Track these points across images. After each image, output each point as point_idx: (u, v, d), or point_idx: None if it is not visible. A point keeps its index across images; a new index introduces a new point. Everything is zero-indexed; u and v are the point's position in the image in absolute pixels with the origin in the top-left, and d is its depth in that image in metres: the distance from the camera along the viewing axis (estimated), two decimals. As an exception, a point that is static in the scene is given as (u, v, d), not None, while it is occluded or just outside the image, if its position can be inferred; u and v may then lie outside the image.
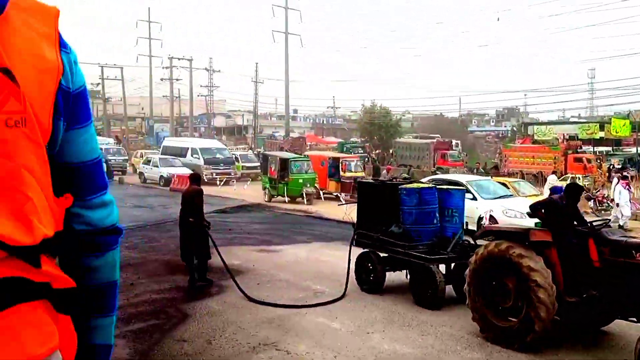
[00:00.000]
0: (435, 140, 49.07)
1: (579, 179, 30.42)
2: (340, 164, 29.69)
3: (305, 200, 26.81)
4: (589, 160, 37.80)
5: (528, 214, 9.34)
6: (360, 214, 11.76)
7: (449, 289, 10.32)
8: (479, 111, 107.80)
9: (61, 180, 1.48)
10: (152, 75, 72.77)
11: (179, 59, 64.78)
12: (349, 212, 14.67)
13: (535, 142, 48.14)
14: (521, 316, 7.83)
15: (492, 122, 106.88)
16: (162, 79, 68.27)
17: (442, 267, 10.44)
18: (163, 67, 67.28)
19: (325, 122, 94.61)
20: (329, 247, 15.76)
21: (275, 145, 54.91)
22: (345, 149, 49.85)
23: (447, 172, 37.08)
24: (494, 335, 8.20)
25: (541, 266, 7.65)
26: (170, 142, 46.68)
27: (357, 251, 11.50)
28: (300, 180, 27.16)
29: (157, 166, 36.29)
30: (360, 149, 51.67)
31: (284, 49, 59.87)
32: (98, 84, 72.98)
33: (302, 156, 29.77)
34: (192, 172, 13.83)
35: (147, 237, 17.30)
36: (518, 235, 8.13)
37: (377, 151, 52.92)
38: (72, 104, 1.49)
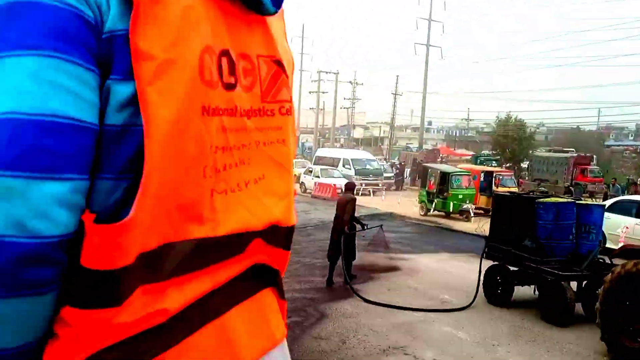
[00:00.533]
0: (575, 155, 45.92)
1: None
2: (493, 179, 28.15)
3: (463, 216, 25.40)
4: None
5: None
6: (493, 226, 11.48)
7: (578, 307, 9.86)
8: (618, 124, 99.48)
9: None
10: (302, 88, 74.73)
11: (326, 72, 66.14)
12: (482, 224, 14.38)
13: None
14: (657, 340, 7.34)
15: (632, 136, 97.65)
16: (310, 92, 69.90)
17: (574, 284, 9.99)
18: (312, 81, 68.88)
19: (457, 134, 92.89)
20: (457, 259, 15.49)
21: (409, 156, 54.38)
22: (479, 161, 48.16)
23: (585, 188, 35.22)
24: (623, 356, 7.77)
25: (684, 289, 7.14)
26: (323, 152, 47.28)
27: (486, 263, 11.23)
28: (460, 196, 25.44)
29: (319, 176, 35.89)
30: (494, 162, 50.02)
31: (424, 61, 59.39)
32: None
33: (464, 171, 27.85)
34: (350, 182, 14.19)
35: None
36: (661, 255, 7.63)
37: (508, 164, 50.83)
38: None
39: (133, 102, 0.95)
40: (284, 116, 1.32)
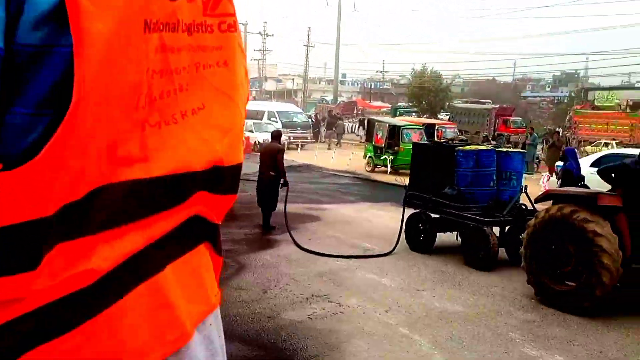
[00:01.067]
0: (497, 106, 46.08)
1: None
2: (435, 131, 26.81)
3: None
4: None
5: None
6: (414, 175, 11.29)
7: (502, 252, 9.85)
8: (534, 75, 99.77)
9: None
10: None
11: (234, 24, 64.29)
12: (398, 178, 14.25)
13: (595, 108, 44.21)
14: (581, 281, 7.32)
15: (548, 87, 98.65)
16: (217, 44, 68.07)
17: (496, 230, 9.93)
18: (219, 32, 66.93)
19: (372, 86, 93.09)
20: (378, 208, 15.35)
21: (325, 109, 54.14)
22: (398, 113, 47.73)
23: (508, 138, 35.17)
24: (550, 298, 7.74)
25: (608, 231, 7.10)
26: (248, 105, 45.66)
27: (408, 212, 11.06)
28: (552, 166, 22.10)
29: (252, 131, 32.83)
30: (413, 113, 50.09)
31: (337, 12, 58.51)
32: None
33: (415, 124, 25.90)
34: (277, 130, 13.93)
35: None
36: (584, 200, 7.55)
37: (426, 116, 51.15)
38: None
39: (56, 16, 0.77)
40: (225, 33, 1.10)
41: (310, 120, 40.79)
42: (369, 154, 25.21)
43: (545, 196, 8.33)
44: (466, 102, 54.32)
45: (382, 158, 24.07)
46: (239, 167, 1.18)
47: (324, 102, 64.93)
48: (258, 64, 73.74)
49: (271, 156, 12.04)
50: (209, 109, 1.07)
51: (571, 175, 12.84)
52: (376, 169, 24.44)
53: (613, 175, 7.84)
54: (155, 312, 0.97)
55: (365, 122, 31.95)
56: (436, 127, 27.64)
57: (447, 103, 55.17)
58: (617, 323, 7.20)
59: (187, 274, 1.06)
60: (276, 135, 12.86)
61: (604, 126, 35.63)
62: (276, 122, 34.84)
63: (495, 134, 37.68)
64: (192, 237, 1.09)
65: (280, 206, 12.17)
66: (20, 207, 0.75)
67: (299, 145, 34.00)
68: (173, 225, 1.01)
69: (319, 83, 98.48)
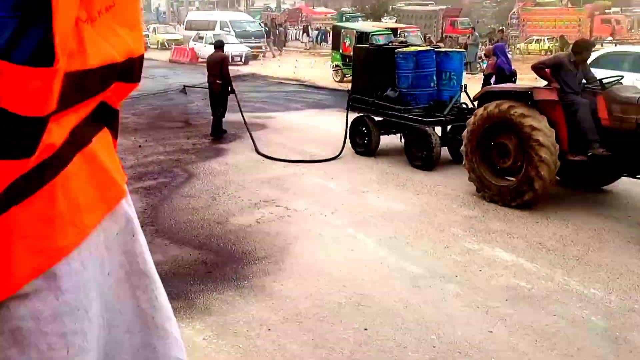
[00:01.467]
0: (444, 7, 44.99)
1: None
2: (398, 36, 23.89)
3: None
4: (617, 22, 34.23)
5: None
6: (355, 79, 11.09)
7: (445, 152, 9.91)
8: None
9: None
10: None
11: None
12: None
13: (537, 4, 44.03)
14: (520, 175, 7.43)
15: None
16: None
17: (438, 130, 9.96)
18: None
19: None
20: (323, 114, 15.22)
21: (269, 17, 52.48)
22: (344, 19, 46.52)
23: (456, 40, 34.27)
24: (491, 194, 7.84)
25: (544, 125, 7.15)
26: (195, 15, 42.57)
27: (352, 116, 10.98)
28: (482, 64, 20.87)
29: (212, 43, 31.36)
30: (359, 18, 48.94)
31: None
32: None
33: (384, 30, 23.21)
34: (218, 40, 13.83)
35: (151, 104, 17.14)
36: (520, 95, 7.56)
37: (370, 20, 50.10)
38: None
39: None
40: None
41: (264, 29, 39.00)
42: (335, 63, 23.56)
43: (483, 94, 8.29)
44: (409, 4, 53.36)
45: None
46: (142, 57, 1.23)
47: (268, 10, 62.69)
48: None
49: (216, 65, 12.02)
50: (118, 5, 1.11)
51: (503, 72, 12.85)
52: (345, 78, 21.85)
53: (548, 70, 7.83)
54: (95, 174, 1.09)
55: (327, 30, 31.72)
56: (398, 31, 26.07)
57: (390, 6, 54.25)
58: (557, 215, 7.36)
59: (105, 147, 1.17)
60: (219, 45, 12.66)
61: (552, 22, 35.35)
62: (229, 32, 33.31)
63: (443, 35, 37.03)
64: (102, 119, 1.18)
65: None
66: (45, 99, 0.87)
67: (255, 56, 32.36)
68: (92, 108, 1.10)
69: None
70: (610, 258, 6.03)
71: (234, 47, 29.69)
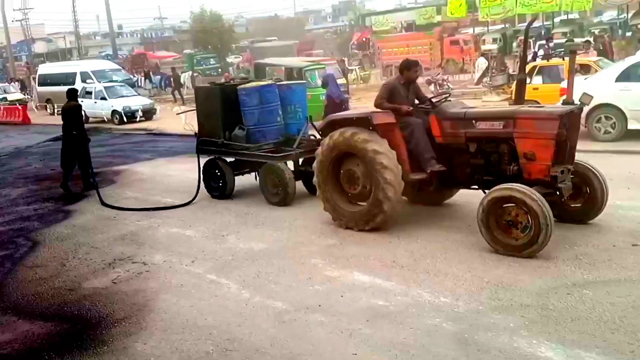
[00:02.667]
0: (297, 42, 45.69)
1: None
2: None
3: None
4: (465, 42, 36.07)
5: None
6: (201, 121, 11.07)
7: (300, 185, 10.21)
8: (314, 8, 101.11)
9: None
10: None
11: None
12: (188, 122, 14.03)
13: (375, 33, 46.51)
14: (370, 199, 7.83)
15: (329, 18, 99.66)
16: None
17: (291, 165, 10.25)
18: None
19: (153, 35, 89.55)
20: (174, 162, 15.14)
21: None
22: (195, 61, 46.49)
23: None
24: (346, 220, 8.19)
25: (386, 148, 7.59)
26: (48, 68, 36.99)
27: (204, 160, 11.01)
28: (322, 97, 17.14)
29: (106, 98, 26.51)
30: (212, 59, 48.58)
31: None
32: None
33: (318, 64, 20.89)
34: (72, 88, 13.48)
35: None
36: (361, 121, 7.97)
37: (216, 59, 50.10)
38: None
39: None
40: None
41: (133, 77, 36.73)
42: None
43: (327, 124, 8.67)
44: (253, 42, 54.33)
45: None
46: None
47: (107, 58, 60.83)
48: (21, 24, 67.42)
49: (72, 115, 12.25)
50: None
51: (333, 101, 13.33)
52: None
53: (382, 90, 8.25)
54: None
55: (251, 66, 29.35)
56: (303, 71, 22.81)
57: (233, 45, 54.93)
58: (406, 233, 7.84)
59: None
60: (72, 93, 12.77)
61: (404, 49, 36.73)
62: (93, 83, 29.71)
63: None
64: None
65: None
66: None
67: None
68: None
69: (94, 38, 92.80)
70: (455, 266, 6.56)
71: (133, 100, 26.79)
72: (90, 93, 27.26)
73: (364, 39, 48.51)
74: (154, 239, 8.79)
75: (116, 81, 30.72)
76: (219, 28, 54.75)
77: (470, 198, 8.40)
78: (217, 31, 54.12)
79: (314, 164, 8.56)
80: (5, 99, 34.62)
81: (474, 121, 7.47)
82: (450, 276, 6.31)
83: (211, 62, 47.26)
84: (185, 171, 12.87)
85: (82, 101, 27.61)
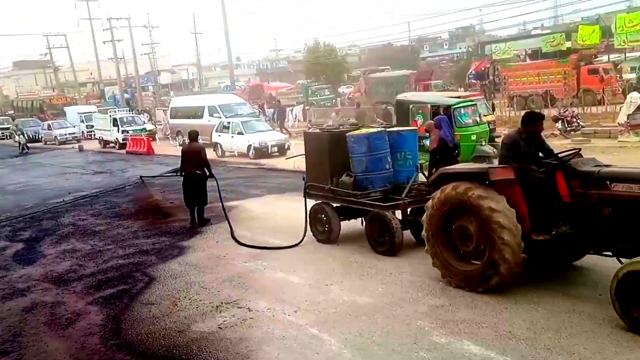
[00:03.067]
0: (414, 71, 43.11)
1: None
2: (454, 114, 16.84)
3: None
4: (606, 71, 32.27)
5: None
6: (309, 165, 11.03)
7: (408, 234, 9.81)
8: (430, 35, 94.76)
9: None
10: (95, 38, 69.03)
11: (117, 19, 61.33)
12: (297, 165, 14.08)
13: (494, 62, 44.20)
14: (485, 259, 7.30)
15: (446, 45, 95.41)
16: (104, 42, 64.84)
17: (399, 213, 9.86)
18: (104, 29, 63.83)
19: (269, 66, 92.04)
20: (283, 200, 15.13)
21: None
22: (310, 92, 46.32)
23: None
24: (457, 279, 7.70)
25: (504, 206, 7.07)
26: (180, 102, 37.52)
27: (311, 202, 10.95)
28: (473, 137, 16.58)
29: (242, 133, 26.19)
30: (326, 90, 47.99)
31: None
32: (46, 54, 71.82)
33: (467, 100, 18.26)
34: (193, 130, 13.80)
35: (110, 202, 17.07)
36: (476, 176, 7.52)
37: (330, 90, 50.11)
38: None
39: None
40: None
41: (257, 111, 36.33)
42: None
43: (438, 176, 8.26)
44: (365, 71, 53.81)
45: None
46: None
47: (226, 90, 62.40)
48: (149, 57, 71.30)
49: (195, 155, 12.74)
50: None
51: (446, 145, 12.14)
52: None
53: (504, 148, 7.83)
54: None
55: (384, 106, 28.78)
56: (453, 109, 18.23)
57: (345, 75, 55.14)
58: (526, 298, 7.19)
59: None
60: (194, 136, 13.36)
61: (534, 78, 33.95)
62: (219, 117, 29.75)
63: None
64: None
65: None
66: None
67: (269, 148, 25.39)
68: None
69: (215, 70, 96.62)
70: (582, 345, 5.88)
71: (268, 135, 26.16)
72: (227, 127, 27.40)
73: (483, 68, 46.60)
74: (260, 283, 8.77)
75: (241, 115, 30.22)
76: (331, 59, 55.45)
77: (600, 261, 7.62)
78: (329, 62, 54.78)
79: (424, 217, 8.16)
80: (145, 129, 36.02)
81: (608, 182, 6.82)
82: (576, 357, 5.65)
83: (326, 93, 47.10)
84: (293, 210, 12.78)
85: (219, 135, 28.03)
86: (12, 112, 61.72)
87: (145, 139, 32.39)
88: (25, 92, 74.16)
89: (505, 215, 7.03)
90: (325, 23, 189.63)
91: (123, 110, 43.08)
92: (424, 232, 8.14)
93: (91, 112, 45.77)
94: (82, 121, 44.12)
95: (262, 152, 24.97)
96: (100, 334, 7.34)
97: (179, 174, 13.47)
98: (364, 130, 10.46)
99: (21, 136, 39.95)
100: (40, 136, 45.67)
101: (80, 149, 36.35)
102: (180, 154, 13.26)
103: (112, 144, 36.36)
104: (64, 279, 9.85)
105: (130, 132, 34.84)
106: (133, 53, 61.15)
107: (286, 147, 25.22)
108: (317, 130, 11.37)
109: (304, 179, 11.13)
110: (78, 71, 72.73)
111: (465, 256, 7.75)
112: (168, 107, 39.08)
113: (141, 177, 17.92)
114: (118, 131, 35.45)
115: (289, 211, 13.04)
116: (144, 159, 28.76)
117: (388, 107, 29.94)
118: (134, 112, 45.56)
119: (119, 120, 36.13)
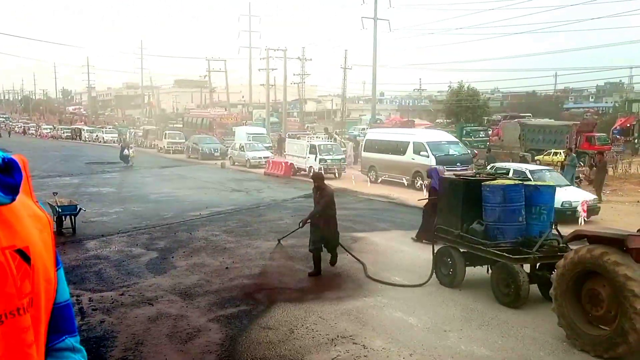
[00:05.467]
0: (578, 122, 40.46)
1: None
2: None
3: None
4: None
5: None
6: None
7: (534, 288, 9.40)
8: (576, 86, 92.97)
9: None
10: (252, 66, 72.74)
11: (274, 49, 64.51)
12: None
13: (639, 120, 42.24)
14: (614, 326, 6.89)
15: (592, 98, 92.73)
16: (259, 69, 68.34)
17: (527, 266, 9.52)
18: (261, 58, 67.27)
19: (410, 103, 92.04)
20: (409, 236, 14.89)
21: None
22: (465, 132, 44.63)
23: (593, 157, 28.45)
24: (583, 342, 7.29)
25: (639, 275, 6.65)
26: (378, 134, 31.87)
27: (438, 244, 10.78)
28: None
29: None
30: (482, 132, 46.06)
31: (373, 34, 57.47)
32: (205, 76, 76.69)
33: None
34: (316, 171, 13.18)
35: (242, 221, 17.36)
36: (614, 241, 7.13)
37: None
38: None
39: None
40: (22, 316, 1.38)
41: (470, 152, 30.52)
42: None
43: (575, 236, 7.90)
44: (506, 117, 52.48)
45: None
46: None
47: (379, 121, 62.57)
48: (298, 86, 73.98)
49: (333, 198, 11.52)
50: None
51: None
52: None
53: None
54: None
55: None
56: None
57: (485, 119, 54.30)
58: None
59: None
60: (320, 177, 12.05)
61: None
62: (427, 156, 25.58)
63: (576, 151, 31.56)
64: None
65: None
66: None
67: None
68: None
69: (358, 102, 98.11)
70: None
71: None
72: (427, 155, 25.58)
73: (628, 125, 44.70)
74: (378, 320, 8.62)
75: (452, 155, 26.16)
76: (473, 102, 54.85)
77: None
78: (470, 105, 54.23)
79: (554, 275, 7.81)
80: (344, 159, 32.85)
81: None
82: None
83: (480, 135, 45.55)
84: (418, 249, 12.67)
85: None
86: (180, 126, 62.30)
87: (284, 164, 32.65)
88: (195, 109, 76.55)
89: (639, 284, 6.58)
90: (471, 69, 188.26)
91: (321, 137, 40.01)
92: (552, 290, 7.78)
93: (261, 134, 45.35)
94: (250, 141, 41.64)
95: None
96: (217, 353, 7.35)
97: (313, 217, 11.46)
98: (500, 181, 10.21)
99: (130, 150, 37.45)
100: (215, 153, 42.64)
101: (223, 166, 37.37)
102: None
103: (303, 172, 31.30)
104: (190, 292, 9.96)
105: (329, 161, 30.84)
106: (284, 82, 63.89)
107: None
108: (453, 176, 11.21)
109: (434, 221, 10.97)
110: (231, 93, 76.45)
111: (594, 320, 7.34)
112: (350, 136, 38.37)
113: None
114: (315, 159, 30.63)
115: (415, 249, 12.91)
116: (280, 182, 29.43)
117: (526, 156, 28.78)
118: (331, 139, 41.71)
119: (317, 148, 31.49)
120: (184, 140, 48.83)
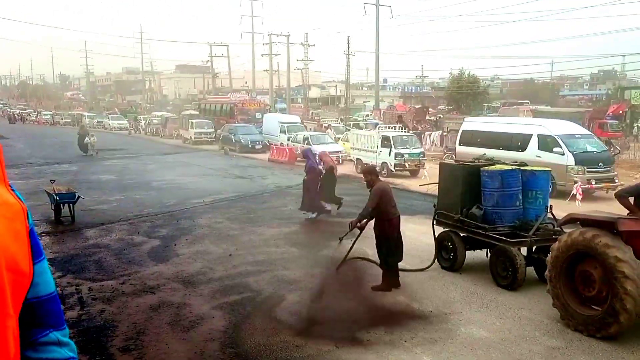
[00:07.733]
0: (590, 109, 41.81)
1: None
2: None
3: None
4: None
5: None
6: (441, 194, 11.17)
7: (530, 270, 9.69)
8: (572, 74, 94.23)
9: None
10: (255, 51, 72.34)
11: (277, 35, 64.34)
12: (430, 189, 14.07)
13: (632, 107, 43.27)
14: (605, 306, 7.14)
15: (586, 85, 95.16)
16: (262, 55, 68.14)
17: (524, 249, 9.78)
18: (263, 44, 67.06)
19: (413, 90, 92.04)
20: (411, 222, 15.02)
21: (393, 115, 49.60)
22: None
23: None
24: (576, 322, 7.55)
25: (630, 257, 6.91)
26: (479, 124, 25.20)
27: (438, 228, 11.01)
28: None
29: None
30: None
31: (375, 20, 57.43)
32: (207, 61, 75.82)
33: None
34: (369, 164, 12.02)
35: (245, 208, 17.34)
36: (605, 224, 7.36)
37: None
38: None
39: None
40: None
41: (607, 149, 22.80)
42: None
43: (568, 220, 8.14)
44: (505, 103, 52.87)
45: None
46: None
47: (392, 107, 61.67)
48: (301, 72, 73.86)
49: (391, 194, 10.32)
50: None
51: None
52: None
53: (633, 198, 7.59)
54: None
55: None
56: None
57: (485, 105, 54.50)
58: (643, 351, 6.92)
59: None
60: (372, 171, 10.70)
61: None
62: (562, 154, 19.69)
63: None
64: None
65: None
66: None
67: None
68: None
69: (361, 88, 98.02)
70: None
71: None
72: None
73: (621, 112, 45.57)
74: (380, 304, 8.78)
75: (591, 153, 20.28)
76: (474, 90, 55.00)
77: None
78: (471, 92, 54.41)
79: (549, 257, 8.06)
80: (423, 153, 26.83)
81: None
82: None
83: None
84: (420, 234, 12.75)
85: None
86: (196, 113, 53.17)
87: (287, 149, 32.38)
88: (212, 95, 70.19)
89: (630, 266, 6.87)
90: (472, 58, 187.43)
91: (392, 128, 35.51)
92: (547, 272, 8.04)
93: (296, 123, 39.96)
94: (284, 131, 37.26)
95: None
96: (220, 340, 7.33)
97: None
98: (498, 167, 10.44)
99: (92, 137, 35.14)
100: (257, 145, 37.44)
101: (226, 152, 37.03)
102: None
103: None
104: (192, 280, 9.88)
105: (406, 156, 25.60)
106: (287, 67, 63.71)
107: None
108: (453, 162, 11.40)
109: (434, 206, 11.23)
110: (234, 79, 76.14)
111: (587, 301, 7.59)
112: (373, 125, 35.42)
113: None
114: (389, 154, 25.72)
115: (417, 234, 13.01)
116: (284, 168, 29.48)
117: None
118: (405, 130, 36.64)
119: (393, 140, 26.09)
120: (212, 130, 44.77)
